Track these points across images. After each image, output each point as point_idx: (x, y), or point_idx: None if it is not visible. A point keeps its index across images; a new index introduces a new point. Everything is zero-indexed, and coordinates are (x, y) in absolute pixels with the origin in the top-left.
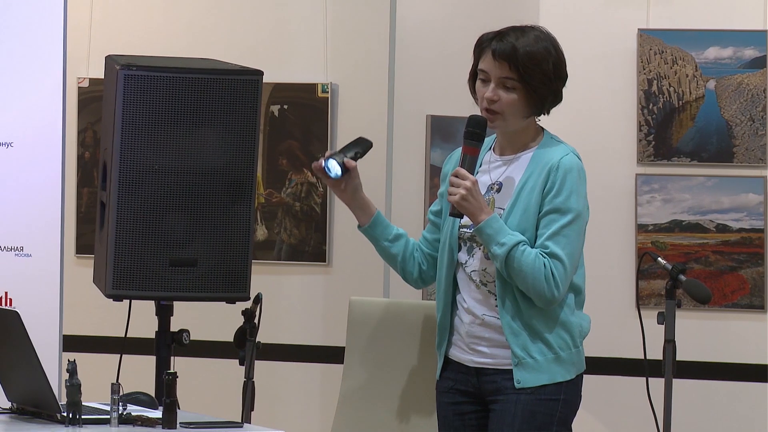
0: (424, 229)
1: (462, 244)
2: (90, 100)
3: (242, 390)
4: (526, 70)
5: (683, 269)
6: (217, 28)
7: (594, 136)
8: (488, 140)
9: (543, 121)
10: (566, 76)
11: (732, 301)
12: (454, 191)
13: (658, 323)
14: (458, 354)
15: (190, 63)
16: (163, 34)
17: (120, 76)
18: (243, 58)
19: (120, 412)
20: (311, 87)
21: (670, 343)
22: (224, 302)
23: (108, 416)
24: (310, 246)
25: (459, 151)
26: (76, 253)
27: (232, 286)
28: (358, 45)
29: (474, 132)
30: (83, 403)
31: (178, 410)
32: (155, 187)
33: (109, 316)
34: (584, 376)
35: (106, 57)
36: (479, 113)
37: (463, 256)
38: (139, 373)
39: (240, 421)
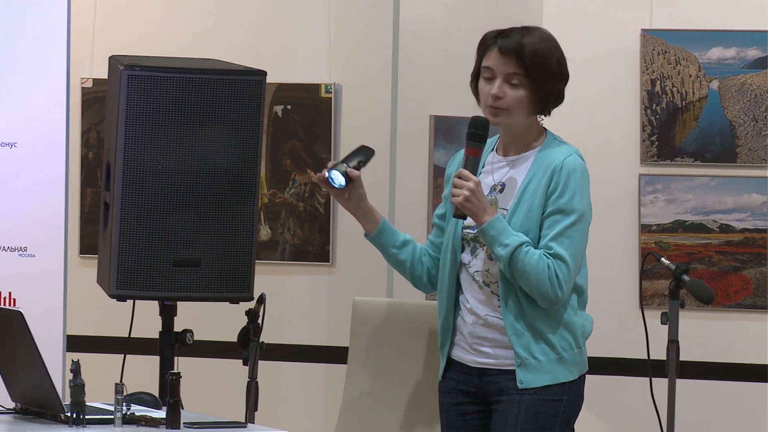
0: (429, 229)
1: (465, 244)
2: (93, 101)
3: (246, 390)
4: (533, 65)
5: (686, 269)
6: (220, 29)
7: (597, 137)
8: (490, 141)
9: (546, 120)
10: (568, 76)
11: (735, 302)
12: (458, 192)
13: (662, 323)
14: (461, 354)
15: (194, 63)
16: (167, 34)
17: (123, 77)
18: (246, 58)
19: (124, 412)
20: (314, 87)
21: (673, 343)
22: (228, 302)
23: (112, 416)
24: (313, 246)
25: (462, 152)
26: (80, 253)
27: (235, 286)
28: (362, 45)
29: (476, 133)
30: (87, 403)
31: (181, 410)
32: (159, 187)
33: (112, 317)
34: (588, 376)
35: (109, 57)
36: (482, 113)
37: (466, 256)
38: (143, 373)
39: (244, 421)
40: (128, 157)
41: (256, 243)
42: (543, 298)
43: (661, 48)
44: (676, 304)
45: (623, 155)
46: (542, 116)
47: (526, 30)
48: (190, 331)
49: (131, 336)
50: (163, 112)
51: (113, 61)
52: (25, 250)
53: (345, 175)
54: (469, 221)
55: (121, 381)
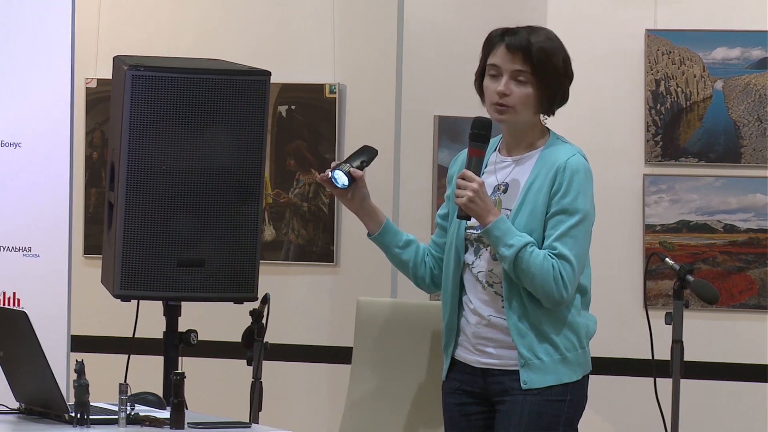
0: (433, 229)
1: (469, 245)
2: (98, 101)
3: (250, 390)
4: (540, 63)
5: (691, 270)
6: (224, 29)
7: (601, 137)
8: (493, 141)
9: (550, 120)
10: (573, 76)
11: (740, 302)
12: (461, 194)
13: (666, 324)
14: (464, 355)
15: (198, 63)
16: (171, 34)
17: (128, 77)
18: (250, 58)
19: (128, 413)
20: (319, 87)
21: (677, 343)
22: (232, 302)
23: (116, 416)
24: (317, 246)
25: (464, 153)
26: (84, 253)
27: (239, 286)
28: (366, 45)
29: (479, 134)
30: (91, 404)
31: (185, 410)
32: (163, 187)
33: (116, 317)
34: (592, 376)
35: (114, 57)
36: (486, 113)
37: (469, 257)
38: (147, 373)
39: (248, 421)
40: (132, 157)
41: (260, 243)
42: (547, 299)
43: (666, 48)
44: (681, 304)
45: (627, 155)
46: (546, 116)
47: (532, 29)
48: (194, 331)
49: (135, 336)
50: (167, 113)
51: (117, 61)
52: (30, 250)
53: (348, 174)
54: (472, 221)
55: (125, 381)
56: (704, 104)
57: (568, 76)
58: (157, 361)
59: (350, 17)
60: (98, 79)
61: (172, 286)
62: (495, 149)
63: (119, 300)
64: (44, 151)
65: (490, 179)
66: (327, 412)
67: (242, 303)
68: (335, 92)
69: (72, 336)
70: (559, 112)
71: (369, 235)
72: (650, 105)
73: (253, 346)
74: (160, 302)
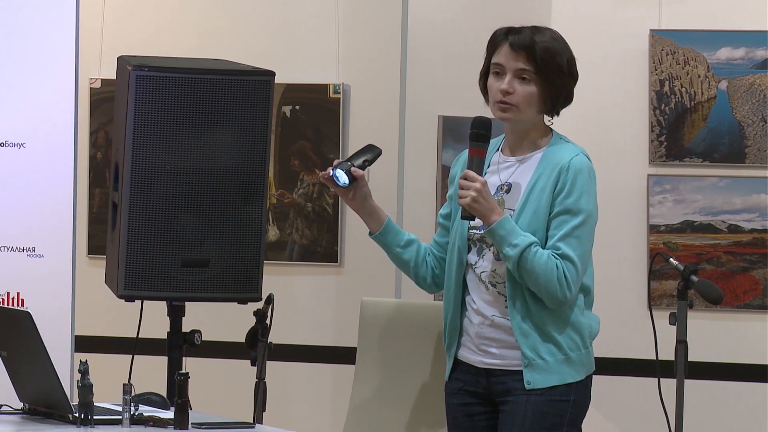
0: (436, 229)
1: (471, 245)
2: (102, 101)
3: (254, 390)
4: (544, 62)
5: (695, 270)
6: (228, 29)
7: (606, 137)
8: (495, 141)
9: (555, 120)
10: (578, 76)
11: (744, 302)
12: (464, 194)
13: (670, 324)
14: (467, 355)
15: (202, 63)
16: (175, 34)
17: (132, 77)
18: (255, 58)
19: (132, 413)
20: (323, 88)
21: (681, 343)
22: (236, 303)
23: (120, 417)
24: (321, 246)
25: (466, 153)
26: (88, 253)
27: (243, 286)
28: (370, 46)
29: (479, 133)
30: (95, 404)
31: (189, 411)
32: (167, 187)
33: (120, 317)
34: (596, 376)
35: (118, 58)
36: (491, 113)
37: (472, 257)
38: (151, 373)
39: (252, 421)
40: (137, 157)
41: (264, 243)
42: (551, 299)
43: (670, 48)
44: (685, 304)
45: (632, 155)
46: (551, 117)
47: (536, 29)
48: (199, 331)
49: (139, 336)
50: (171, 113)
51: (122, 61)
52: (34, 250)
53: (348, 173)
54: (475, 221)
55: (129, 381)
56: (708, 104)
57: (572, 76)
58: (161, 362)
59: (354, 17)
60: (102, 80)
61: (176, 287)
62: (497, 149)
63: (123, 300)
64: (48, 151)
65: (492, 179)
66: (331, 412)
67: (246, 303)
68: (339, 92)
69: (76, 336)
70: (563, 112)
71: (370, 234)
72: (654, 105)
73: (257, 347)
74: (164, 302)
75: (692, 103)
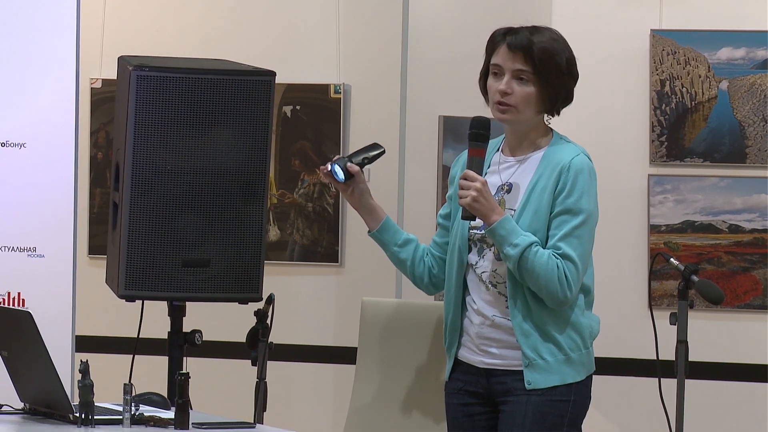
0: (436, 229)
1: (472, 245)
2: (103, 101)
3: (254, 390)
4: (541, 62)
5: (696, 270)
6: (229, 29)
7: (606, 137)
8: (496, 141)
9: (555, 120)
10: (578, 76)
11: (744, 302)
12: (465, 194)
13: (671, 324)
14: (468, 355)
15: (203, 64)
16: (176, 35)
17: (133, 77)
18: (255, 58)
19: (132, 413)
20: (324, 88)
21: (682, 343)
22: (237, 303)
23: (120, 417)
24: (322, 246)
25: (465, 153)
26: (89, 253)
27: (244, 286)
28: (371, 46)
29: (478, 133)
30: (96, 404)
31: (190, 411)
32: (168, 187)
33: (121, 317)
34: (596, 376)
35: (118, 58)
36: (491, 113)
37: (473, 257)
38: (152, 373)
39: (252, 421)
40: (137, 157)
41: (264, 243)
42: (552, 298)
43: (671, 48)
44: (685, 304)
45: (632, 155)
46: (550, 116)
47: (535, 29)
48: (199, 331)
49: (140, 336)
50: (172, 113)
51: (122, 61)
52: (34, 250)
53: (345, 169)
54: (475, 221)
55: (129, 381)
56: (709, 104)
57: (572, 75)
58: (162, 362)
59: (355, 18)
60: (103, 80)
61: (176, 287)
62: (498, 149)
63: (124, 300)
64: (49, 151)
65: (493, 179)
66: (331, 412)
67: (247, 303)
68: (340, 92)
69: (76, 336)
70: (564, 112)
71: (369, 232)
72: (655, 105)
73: (257, 347)
74: (165, 302)
75: (693, 103)
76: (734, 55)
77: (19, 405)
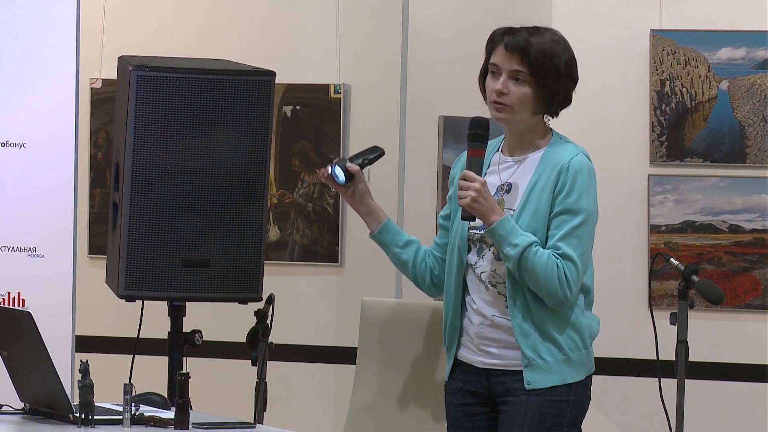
0: (436, 229)
1: (471, 245)
2: (103, 101)
3: (255, 390)
4: (538, 63)
5: (696, 270)
6: (229, 29)
7: (606, 137)
8: (496, 141)
9: (555, 120)
10: (577, 79)
11: (745, 302)
12: (464, 194)
13: (671, 324)
14: (468, 355)
15: (203, 64)
16: (176, 35)
17: (133, 77)
18: (255, 58)
19: (132, 413)
20: (324, 88)
21: (682, 343)
22: (237, 303)
23: (120, 417)
24: (322, 247)
25: (465, 154)
26: (89, 253)
27: (244, 286)
28: (371, 46)
29: (477, 133)
30: (96, 404)
31: (190, 411)
32: (168, 187)
33: (121, 317)
34: (597, 376)
35: (118, 58)
36: (488, 111)
37: (472, 257)
38: (152, 373)
39: (252, 421)
40: (137, 157)
41: (265, 243)
42: (552, 298)
43: (671, 48)
44: (685, 304)
45: (632, 156)
46: (549, 117)
47: (536, 30)
48: (199, 331)
49: (140, 336)
50: (172, 113)
51: (122, 61)
52: (34, 250)
53: (345, 170)
54: (475, 221)
55: (129, 381)
56: (709, 104)
57: (571, 78)
58: (162, 362)
59: (355, 18)
60: (103, 80)
61: (176, 287)
62: (497, 149)
63: (124, 300)
64: (49, 151)
65: (493, 179)
66: (332, 412)
67: (247, 303)
68: (340, 92)
69: (76, 336)
70: (564, 112)
71: (370, 234)
72: (655, 105)
73: (257, 347)
74: (165, 302)
75: (693, 103)
76: (734, 55)
77: (19, 405)
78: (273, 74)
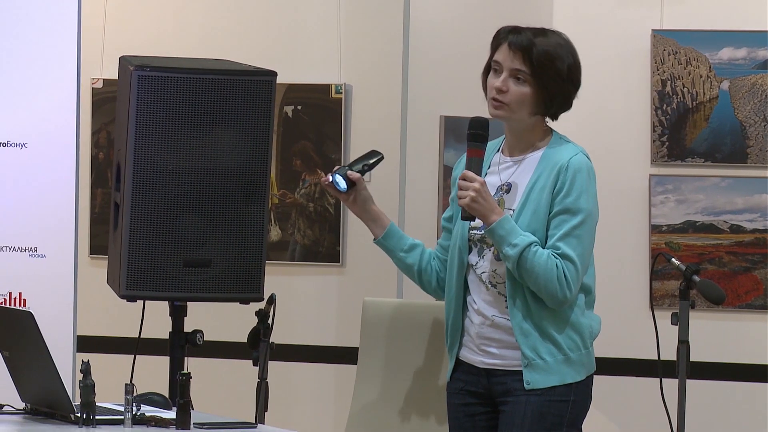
0: (438, 229)
1: (472, 246)
2: (104, 101)
3: (256, 390)
4: (540, 65)
5: (697, 270)
6: (230, 29)
7: (608, 137)
8: (497, 141)
9: (556, 121)
10: (579, 84)
11: (746, 302)
12: (463, 194)
13: (672, 324)
14: (469, 355)
15: (204, 64)
16: (177, 35)
17: (134, 77)
18: (257, 58)
19: (134, 413)
20: (325, 88)
21: (683, 343)
22: (238, 303)
23: (122, 417)
24: (323, 247)
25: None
26: (90, 253)
27: (245, 286)
28: (372, 46)
29: (476, 133)
30: (97, 404)
31: (191, 411)
32: (169, 187)
33: (122, 317)
34: (598, 376)
35: (120, 58)
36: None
37: (473, 258)
38: (153, 373)
39: (254, 421)
40: (138, 157)
41: (266, 243)
42: (551, 298)
43: (672, 48)
44: (687, 304)
45: (633, 156)
46: (552, 119)
47: (542, 31)
48: (200, 331)
49: (141, 336)
50: (173, 113)
51: (123, 61)
52: (36, 250)
53: (346, 178)
54: (475, 222)
55: (131, 381)
56: (710, 104)
57: (572, 82)
58: (163, 362)
59: (356, 18)
60: (104, 80)
61: (178, 287)
62: (498, 150)
63: (125, 300)
64: (50, 151)
65: (493, 179)
66: (333, 412)
67: (248, 303)
68: (341, 93)
69: (78, 336)
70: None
71: (374, 240)
72: (656, 105)
73: (259, 347)
74: (166, 302)
75: (694, 103)
76: (735, 55)
77: (21, 405)
78: (274, 74)
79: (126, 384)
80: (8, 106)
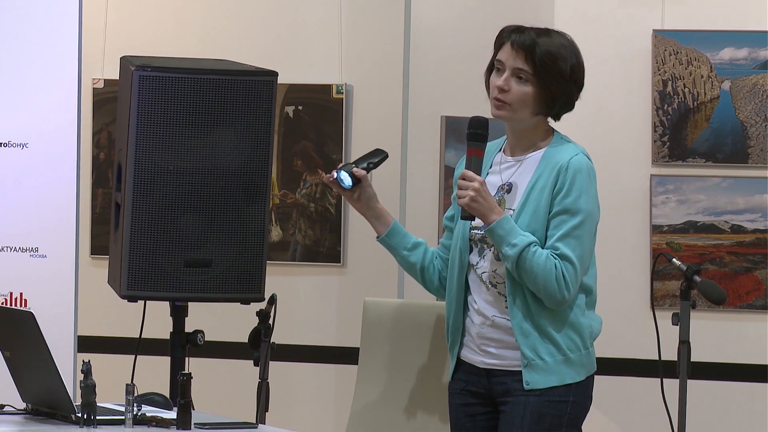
0: (440, 229)
1: (473, 245)
2: (105, 101)
3: (257, 391)
4: (543, 65)
5: (698, 270)
6: (231, 29)
7: (609, 137)
8: (498, 141)
9: (557, 121)
10: (582, 84)
11: (747, 302)
12: (463, 194)
13: (673, 324)
14: (469, 355)
15: (205, 64)
16: (178, 35)
17: (135, 77)
18: (258, 58)
19: (134, 413)
20: (326, 88)
21: (684, 344)
22: (239, 303)
23: (123, 417)
24: (324, 247)
25: None
26: (91, 254)
27: (246, 286)
28: (373, 46)
29: (476, 133)
30: (98, 404)
31: (192, 411)
32: (170, 187)
33: (123, 317)
34: (599, 377)
35: (120, 58)
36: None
37: (474, 257)
38: (154, 373)
39: (254, 421)
40: (139, 157)
41: (267, 244)
42: (550, 299)
43: (673, 48)
44: (688, 304)
45: (635, 156)
46: (555, 120)
47: (546, 31)
48: (201, 331)
49: (142, 337)
50: (174, 113)
51: (124, 61)
52: (37, 250)
53: (351, 175)
54: (476, 222)
55: (132, 381)
56: (711, 105)
57: (575, 83)
58: (164, 362)
59: (357, 18)
60: (105, 80)
61: (178, 287)
62: (500, 149)
63: (126, 300)
64: (51, 151)
65: (494, 179)
66: (334, 412)
67: (249, 303)
68: (342, 93)
69: (79, 336)
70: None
71: (377, 237)
72: (657, 105)
73: (259, 347)
74: (167, 303)
75: (695, 103)
76: (736, 55)
77: (21, 405)
78: (275, 74)
79: (127, 384)
80: (9, 106)
